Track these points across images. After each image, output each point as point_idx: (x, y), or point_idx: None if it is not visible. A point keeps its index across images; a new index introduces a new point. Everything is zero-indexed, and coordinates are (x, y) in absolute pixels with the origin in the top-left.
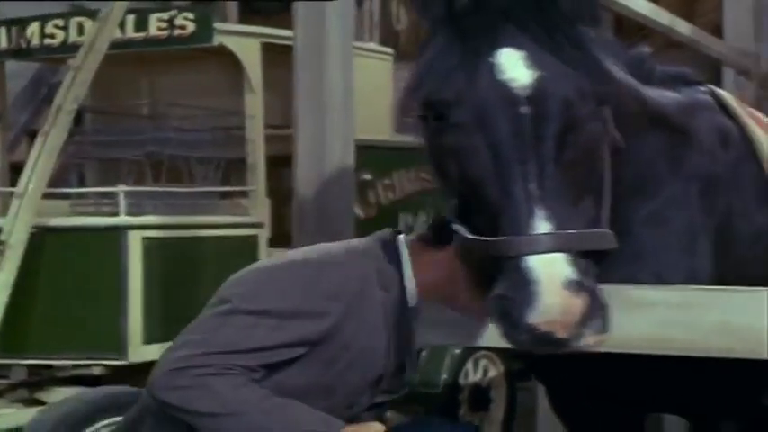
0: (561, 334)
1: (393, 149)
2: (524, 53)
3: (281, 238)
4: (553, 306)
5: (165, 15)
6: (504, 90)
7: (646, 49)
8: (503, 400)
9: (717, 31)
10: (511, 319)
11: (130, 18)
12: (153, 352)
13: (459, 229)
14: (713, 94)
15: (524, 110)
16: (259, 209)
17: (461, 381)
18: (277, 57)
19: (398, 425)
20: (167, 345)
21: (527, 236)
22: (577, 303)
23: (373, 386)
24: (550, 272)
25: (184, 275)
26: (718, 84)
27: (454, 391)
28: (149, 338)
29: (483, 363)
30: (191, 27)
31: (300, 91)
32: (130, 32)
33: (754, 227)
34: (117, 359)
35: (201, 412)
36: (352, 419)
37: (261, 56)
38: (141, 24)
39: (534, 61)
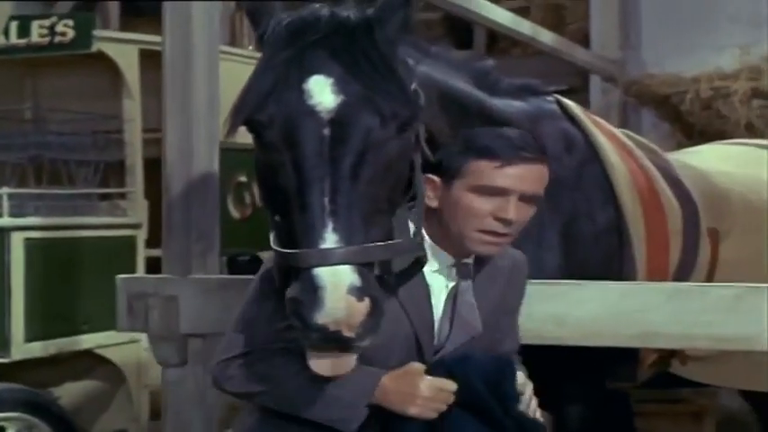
0: (347, 333)
1: None
2: (332, 80)
3: (158, 239)
4: (338, 309)
5: (47, 22)
6: (309, 114)
7: (490, 62)
8: None
9: (586, 38)
10: (303, 319)
11: (14, 24)
12: (35, 349)
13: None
14: (559, 103)
15: (326, 131)
16: (137, 210)
17: None
18: (155, 62)
19: (439, 360)
20: (49, 342)
21: (317, 249)
22: (360, 307)
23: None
24: (335, 280)
25: (65, 275)
26: (586, 89)
27: None
28: (32, 336)
29: None
30: (70, 34)
31: (168, 95)
32: (14, 39)
33: (597, 227)
34: (1, 357)
35: (253, 392)
36: None
37: (139, 61)
38: (23, 31)
39: (340, 87)
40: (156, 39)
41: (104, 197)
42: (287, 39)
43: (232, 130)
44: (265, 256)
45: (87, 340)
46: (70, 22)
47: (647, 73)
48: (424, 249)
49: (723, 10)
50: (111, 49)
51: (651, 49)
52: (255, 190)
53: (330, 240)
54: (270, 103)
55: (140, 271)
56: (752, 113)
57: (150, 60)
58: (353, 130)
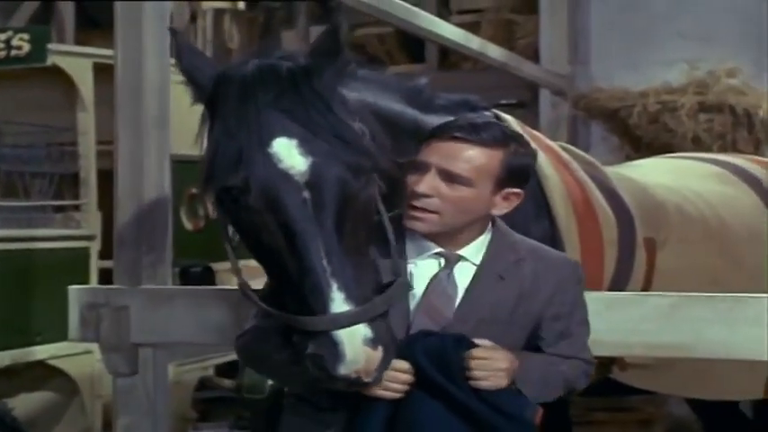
0: (366, 379)
1: None
2: (295, 141)
3: (112, 250)
4: (358, 361)
5: (3, 36)
6: (284, 178)
7: (423, 80)
8: None
9: (536, 53)
10: (326, 371)
11: None
12: None
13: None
14: (497, 119)
15: (306, 195)
16: (91, 222)
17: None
18: (109, 75)
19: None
20: (3, 354)
21: (330, 315)
22: (376, 355)
23: None
24: (351, 336)
25: (20, 286)
26: (536, 103)
27: (280, 396)
28: None
29: None
30: (26, 47)
31: (120, 108)
32: None
33: (531, 238)
34: None
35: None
36: None
37: (93, 75)
38: None
39: (306, 149)
40: (111, 52)
41: (59, 209)
42: (237, 98)
43: (202, 193)
44: (218, 267)
45: (41, 351)
46: (26, 36)
47: (595, 87)
48: (410, 282)
49: (671, 25)
50: (65, 63)
51: (600, 64)
52: (208, 202)
53: (338, 301)
54: (240, 168)
55: (94, 282)
56: (698, 127)
57: (104, 73)
58: (331, 189)
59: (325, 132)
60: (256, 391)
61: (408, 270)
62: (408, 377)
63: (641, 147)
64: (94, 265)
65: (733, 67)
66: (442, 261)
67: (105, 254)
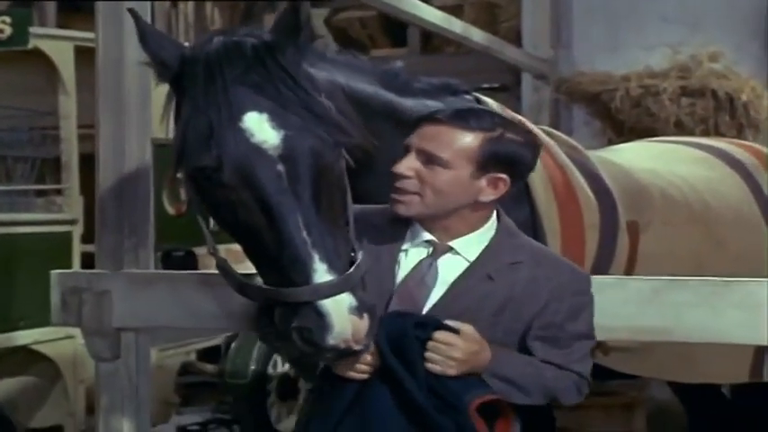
0: (357, 347)
1: None
2: (266, 115)
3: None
4: (345, 330)
5: None
6: (257, 152)
7: (398, 64)
8: None
9: (519, 37)
10: (315, 344)
11: None
12: None
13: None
14: (478, 102)
15: (280, 168)
16: (73, 206)
17: (270, 371)
18: (91, 58)
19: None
20: None
21: (314, 285)
22: (363, 323)
23: None
24: (337, 305)
25: (2, 270)
26: (518, 87)
27: (263, 381)
28: None
29: None
30: (8, 30)
31: (101, 92)
32: None
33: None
34: None
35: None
36: None
37: (75, 58)
38: None
39: (277, 122)
40: (92, 36)
41: (41, 193)
42: (204, 76)
43: (176, 175)
44: (200, 251)
45: (24, 336)
46: (7, 19)
47: (578, 71)
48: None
49: (654, 9)
50: (47, 46)
51: (582, 48)
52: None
53: (321, 271)
54: (211, 146)
55: (76, 266)
56: (681, 111)
57: (86, 57)
58: (305, 162)
59: (296, 106)
60: (238, 376)
61: (400, 256)
62: (371, 359)
63: (624, 131)
64: (77, 249)
65: (715, 52)
66: (431, 249)
67: (87, 238)
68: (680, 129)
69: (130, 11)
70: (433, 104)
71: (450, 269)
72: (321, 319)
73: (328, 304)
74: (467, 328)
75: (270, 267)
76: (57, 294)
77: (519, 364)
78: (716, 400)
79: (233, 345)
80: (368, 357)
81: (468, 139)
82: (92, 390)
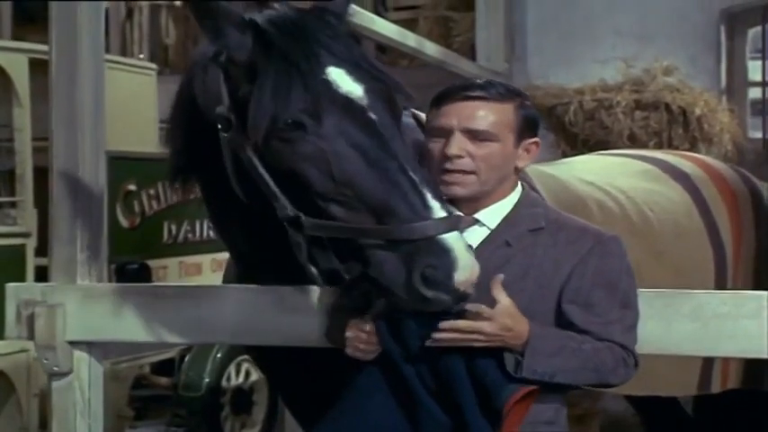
0: (469, 290)
1: (158, 161)
2: (343, 69)
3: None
4: (469, 265)
5: None
6: (348, 101)
7: None
8: (264, 403)
9: (473, 50)
10: (439, 283)
11: None
12: None
13: (314, 222)
14: (415, 117)
15: (372, 115)
16: (27, 219)
17: (224, 384)
18: (45, 70)
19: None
20: None
21: (434, 220)
22: (477, 264)
23: None
24: (457, 241)
25: None
26: None
27: (217, 394)
28: None
29: (245, 366)
30: None
31: (54, 104)
32: None
33: None
34: None
35: None
36: None
37: (29, 70)
38: None
39: (354, 75)
40: (46, 48)
41: None
42: (281, 39)
43: (253, 143)
44: (154, 264)
45: None
46: None
47: (531, 84)
48: None
49: (608, 23)
50: (1, 59)
51: (536, 61)
52: (145, 199)
53: (436, 208)
54: (298, 98)
55: (30, 279)
56: (634, 125)
57: (41, 69)
58: (388, 111)
59: (362, 62)
60: (192, 389)
61: None
62: (372, 339)
63: (577, 144)
64: (30, 262)
65: (669, 65)
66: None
67: (41, 251)
68: (633, 142)
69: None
70: None
71: (474, 239)
72: (446, 254)
73: (451, 239)
74: (484, 308)
75: (367, 216)
76: (11, 307)
77: (559, 336)
78: (673, 412)
79: (187, 358)
80: (374, 337)
81: (507, 110)
82: (45, 403)
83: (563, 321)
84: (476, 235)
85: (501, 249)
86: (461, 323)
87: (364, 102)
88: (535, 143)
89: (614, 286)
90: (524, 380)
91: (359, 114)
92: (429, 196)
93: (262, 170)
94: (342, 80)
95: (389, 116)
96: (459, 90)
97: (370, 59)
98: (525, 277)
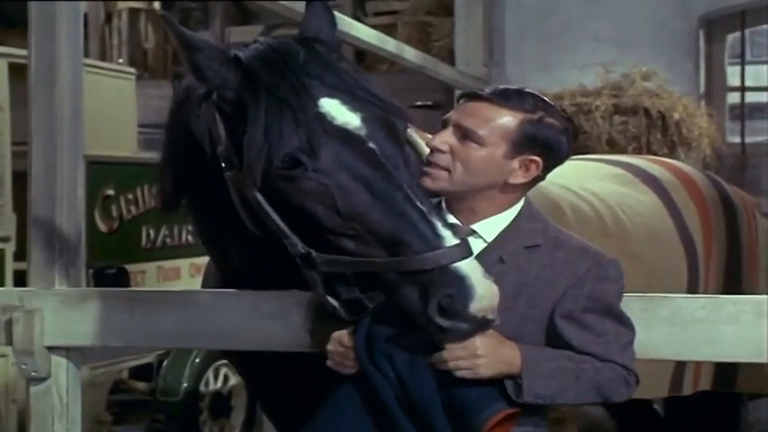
0: (491, 316)
1: (136, 165)
2: (337, 100)
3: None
4: (487, 294)
5: None
6: (345, 133)
7: None
8: (243, 408)
9: (452, 55)
10: (456, 313)
11: None
12: None
13: (326, 257)
14: None
15: (372, 145)
16: (5, 223)
17: (202, 389)
18: (24, 75)
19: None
20: None
21: (446, 249)
22: (495, 289)
23: None
24: (472, 269)
25: None
26: (452, 104)
27: (195, 398)
28: None
29: (223, 371)
30: None
31: (33, 109)
32: None
33: None
34: None
35: None
36: None
37: (9, 75)
38: None
39: (349, 105)
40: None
41: None
42: (269, 75)
43: (251, 185)
44: (132, 268)
45: None
46: None
47: None
48: None
49: (587, 29)
50: None
51: (515, 66)
52: (123, 203)
53: (448, 236)
54: (293, 134)
55: (9, 284)
56: (613, 129)
57: (21, 73)
58: (389, 139)
59: (357, 90)
60: (170, 393)
61: None
62: (348, 353)
63: None
64: (9, 267)
65: (648, 71)
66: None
67: (20, 255)
68: (612, 146)
69: (164, 17)
70: None
71: None
72: (462, 282)
73: (465, 267)
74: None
75: (378, 248)
76: None
77: (556, 357)
78: (647, 415)
79: (165, 362)
80: (351, 353)
81: (508, 118)
82: (23, 409)
83: (559, 341)
84: (473, 247)
85: (494, 266)
86: (452, 360)
87: (363, 131)
88: (534, 162)
89: (609, 309)
90: (500, 402)
91: (358, 145)
92: (439, 225)
93: (268, 208)
94: (336, 111)
95: (391, 144)
96: (480, 90)
97: (367, 86)
98: (517, 296)
